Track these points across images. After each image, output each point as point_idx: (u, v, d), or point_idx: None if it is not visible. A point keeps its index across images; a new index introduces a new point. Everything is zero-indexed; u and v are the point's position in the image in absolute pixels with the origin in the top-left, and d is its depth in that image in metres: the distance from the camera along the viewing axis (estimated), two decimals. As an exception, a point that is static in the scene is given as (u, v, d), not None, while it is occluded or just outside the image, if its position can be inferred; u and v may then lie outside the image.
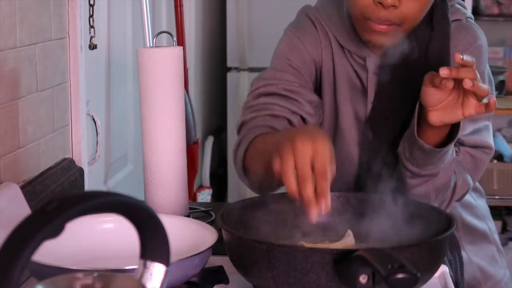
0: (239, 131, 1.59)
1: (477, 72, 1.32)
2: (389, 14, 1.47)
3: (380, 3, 1.46)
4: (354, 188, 1.62)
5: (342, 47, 1.62)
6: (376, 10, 1.47)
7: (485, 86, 1.32)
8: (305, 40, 1.63)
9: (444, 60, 1.55)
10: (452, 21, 1.59)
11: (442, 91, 1.35)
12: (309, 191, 1.16)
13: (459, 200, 1.59)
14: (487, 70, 1.61)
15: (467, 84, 1.30)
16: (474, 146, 1.57)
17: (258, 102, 1.59)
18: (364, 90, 1.61)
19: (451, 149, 1.47)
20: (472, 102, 1.35)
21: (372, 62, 1.59)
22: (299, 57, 1.63)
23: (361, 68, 1.61)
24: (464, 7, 1.63)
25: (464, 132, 1.55)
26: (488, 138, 1.59)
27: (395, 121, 1.57)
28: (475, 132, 1.57)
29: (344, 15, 1.60)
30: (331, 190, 1.18)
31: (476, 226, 1.74)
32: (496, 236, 1.79)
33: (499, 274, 1.75)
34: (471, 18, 1.63)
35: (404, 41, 1.54)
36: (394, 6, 1.46)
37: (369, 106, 1.60)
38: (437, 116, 1.39)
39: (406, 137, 1.48)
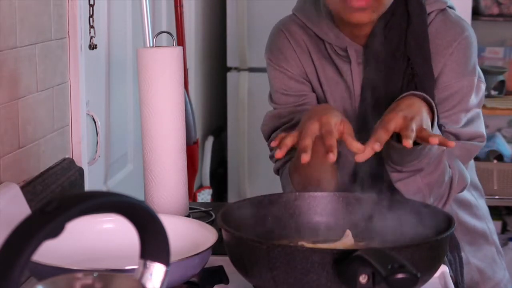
0: (277, 173, 1.69)
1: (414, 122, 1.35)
2: None
3: None
4: (352, 187, 1.63)
5: (319, 46, 1.63)
6: None
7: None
8: (285, 64, 1.67)
9: (423, 45, 1.57)
10: (437, 13, 1.59)
11: None
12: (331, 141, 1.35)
13: (460, 192, 1.59)
14: (476, 62, 1.62)
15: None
16: (469, 139, 1.58)
17: None
18: (347, 86, 1.62)
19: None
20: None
21: (354, 51, 1.60)
22: (292, 80, 1.66)
23: (343, 60, 1.62)
24: None
25: (459, 124, 1.56)
26: (481, 126, 1.61)
27: (383, 111, 1.57)
28: (469, 122, 1.59)
29: (322, 9, 1.61)
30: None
31: (475, 227, 1.73)
32: (495, 237, 1.78)
33: (498, 275, 1.74)
34: (452, 7, 1.63)
35: (383, 30, 1.56)
36: None
37: (357, 99, 1.61)
38: None
39: None
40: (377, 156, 1.57)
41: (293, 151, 1.55)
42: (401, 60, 1.56)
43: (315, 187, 1.49)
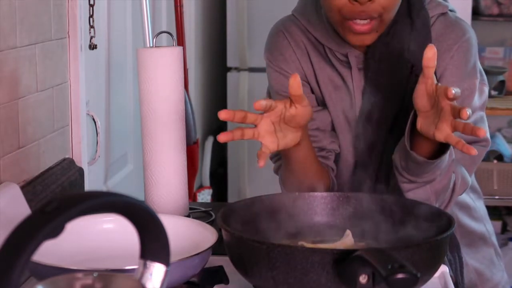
0: (276, 173, 1.68)
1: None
2: (367, 8, 1.47)
3: (356, 1, 1.46)
4: (351, 189, 1.63)
5: (319, 49, 1.63)
6: (352, 8, 1.47)
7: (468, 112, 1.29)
8: (285, 65, 1.66)
9: None
10: (438, 16, 1.59)
11: (431, 95, 1.34)
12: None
13: (461, 194, 1.59)
14: (478, 63, 1.61)
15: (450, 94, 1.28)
16: (472, 142, 1.57)
17: None
18: (348, 89, 1.61)
19: (447, 155, 1.46)
20: (445, 128, 1.32)
21: (354, 56, 1.59)
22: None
23: (343, 65, 1.61)
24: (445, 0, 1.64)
25: None
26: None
27: (384, 117, 1.57)
28: None
29: (323, 16, 1.60)
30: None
31: (473, 228, 1.73)
32: (494, 239, 1.78)
33: (496, 277, 1.74)
34: (453, 11, 1.63)
35: (385, 34, 1.55)
36: (370, 1, 1.46)
37: (357, 104, 1.61)
38: (420, 123, 1.37)
39: (400, 146, 1.46)
40: (376, 158, 1.57)
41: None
42: (404, 67, 1.56)
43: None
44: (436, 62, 1.33)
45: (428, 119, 1.35)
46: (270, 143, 1.40)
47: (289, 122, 1.41)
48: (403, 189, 1.49)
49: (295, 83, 1.37)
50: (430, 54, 1.33)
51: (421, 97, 1.35)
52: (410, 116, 1.42)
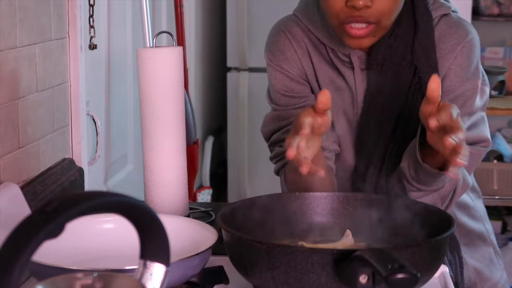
0: (277, 174, 1.67)
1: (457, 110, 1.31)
2: (364, 13, 1.46)
3: (352, 6, 1.46)
4: (351, 189, 1.62)
5: (320, 49, 1.63)
6: (349, 12, 1.47)
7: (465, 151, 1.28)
8: (286, 65, 1.65)
9: (431, 54, 1.55)
10: (441, 17, 1.59)
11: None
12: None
13: (460, 196, 1.59)
14: (479, 64, 1.61)
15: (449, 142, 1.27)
16: (473, 143, 1.57)
17: (281, 150, 1.62)
18: (350, 90, 1.61)
19: None
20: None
21: (357, 57, 1.59)
22: (292, 81, 1.65)
23: (345, 66, 1.61)
24: (447, 0, 1.64)
25: None
26: (485, 131, 1.59)
27: (386, 119, 1.57)
28: (472, 126, 1.57)
29: (325, 17, 1.60)
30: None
31: (472, 228, 1.73)
32: (493, 238, 1.78)
33: (496, 276, 1.73)
34: (455, 11, 1.63)
35: (388, 36, 1.55)
36: (367, 6, 1.46)
37: (359, 105, 1.60)
38: (429, 136, 1.35)
39: (410, 156, 1.45)
40: (377, 159, 1.57)
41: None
42: (407, 69, 1.55)
43: None
44: (440, 92, 1.32)
45: (436, 133, 1.33)
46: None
47: (314, 132, 1.40)
48: (410, 197, 1.49)
49: (325, 99, 1.34)
50: (434, 85, 1.31)
51: (426, 118, 1.34)
52: (420, 127, 1.41)
